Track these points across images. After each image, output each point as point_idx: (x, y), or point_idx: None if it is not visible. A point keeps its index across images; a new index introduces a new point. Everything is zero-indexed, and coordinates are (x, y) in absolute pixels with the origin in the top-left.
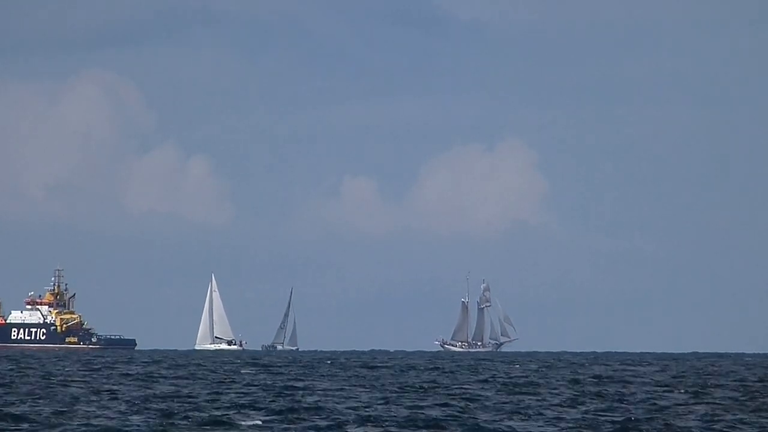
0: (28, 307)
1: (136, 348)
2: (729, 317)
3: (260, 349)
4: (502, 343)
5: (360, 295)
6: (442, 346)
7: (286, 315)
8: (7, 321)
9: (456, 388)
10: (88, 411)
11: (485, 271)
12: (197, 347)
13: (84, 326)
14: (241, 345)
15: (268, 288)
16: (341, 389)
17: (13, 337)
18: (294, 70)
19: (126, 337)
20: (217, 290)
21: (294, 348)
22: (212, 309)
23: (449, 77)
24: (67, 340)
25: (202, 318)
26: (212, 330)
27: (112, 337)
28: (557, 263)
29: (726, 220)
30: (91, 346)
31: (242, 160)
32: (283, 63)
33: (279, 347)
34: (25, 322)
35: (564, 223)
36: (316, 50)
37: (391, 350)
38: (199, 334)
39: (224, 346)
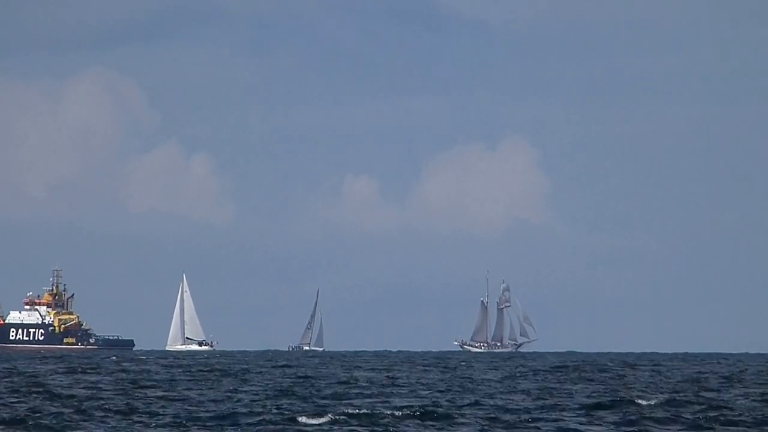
0: (27, 307)
1: (135, 348)
2: (735, 316)
3: (287, 349)
4: (521, 344)
5: (365, 295)
6: (462, 347)
7: (313, 315)
8: (6, 321)
9: None
10: None
11: (487, 270)
12: (168, 348)
13: (82, 327)
14: (211, 345)
15: (270, 287)
16: None
17: (11, 338)
18: (296, 68)
19: (124, 338)
20: (188, 290)
21: (320, 349)
22: (183, 309)
23: (451, 76)
24: (65, 340)
25: (173, 319)
26: (183, 330)
27: (110, 337)
28: (560, 262)
29: (731, 219)
30: (89, 346)
31: (244, 159)
32: (285, 61)
33: (305, 347)
34: (24, 322)
35: (567, 221)
36: (319, 49)
37: (418, 351)
38: (170, 335)
39: (195, 347)
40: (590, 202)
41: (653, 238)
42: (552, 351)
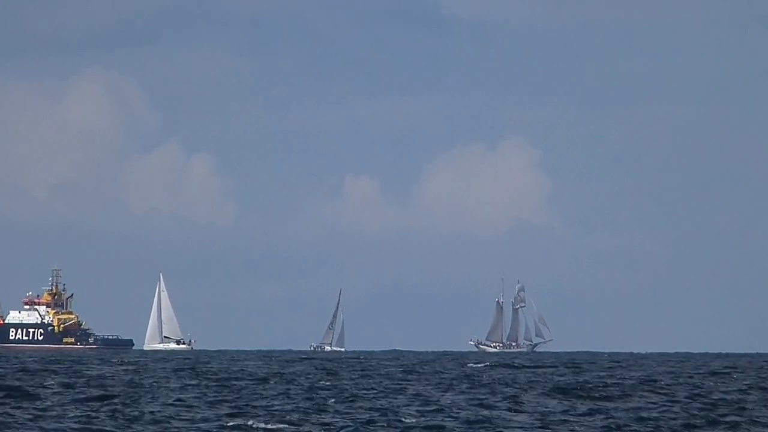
0: (26, 307)
1: (134, 348)
2: (735, 316)
3: (309, 348)
4: (536, 344)
5: (368, 295)
6: (477, 347)
7: (335, 315)
8: (6, 321)
9: None
10: None
11: (488, 270)
12: (146, 347)
13: (82, 326)
14: (190, 344)
15: (272, 287)
16: None
17: (11, 337)
18: (296, 68)
19: (123, 338)
20: (165, 290)
21: (341, 349)
22: (161, 309)
23: (452, 76)
24: (65, 340)
25: (150, 318)
26: (161, 330)
27: (109, 337)
28: (560, 262)
29: (730, 219)
30: (88, 346)
31: (245, 159)
32: (286, 62)
33: (327, 348)
34: (23, 322)
35: (567, 222)
36: (319, 49)
37: (428, 350)
38: (147, 334)
39: (173, 346)
40: (591, 202)
41: (654, 238)
42: (566, 351)
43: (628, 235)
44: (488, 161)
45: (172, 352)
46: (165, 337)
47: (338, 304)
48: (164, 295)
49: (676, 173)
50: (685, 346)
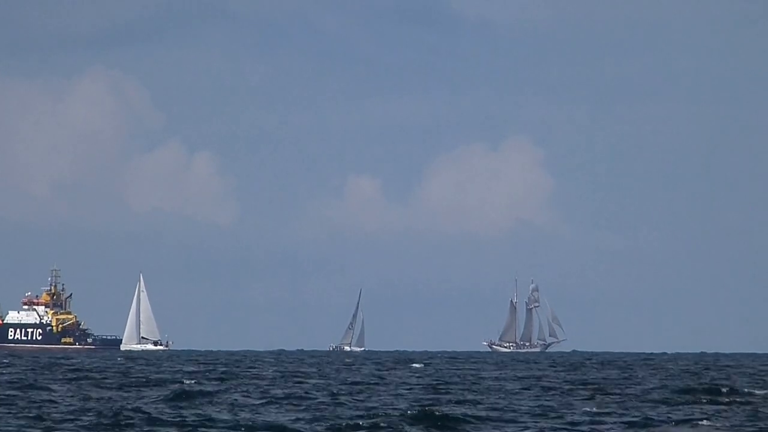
0: (25, 307)
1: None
2: (738, 316)
3: (328, 349)
4: (550, 344)
5: (371, 295)
6: (491, 347)
7: (354, 316)
8: (4, 321)
9: None
10: None
11: (489, 270)
12: (123, 347)
13: (81, 326)
14: (167, 345)
15: (273, 287)
16: None
17: (10, 337)
18: (299, 68)
19: (121, 338)
20: (144, 290)
21: (361, 349)
22: (140, 309)
23: (454, 75)
24: (63, 340)
25: (129, 318)
26: (138, 330)
27: (108, 337)
28: (563, 262)
29: (733, 218)
30: (86, 346)
31: (247, 158)
32: (288, 61)
33: (347, 348)
34: (22, 322)
35: (570, 221)
36: (323, 49)
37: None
38: (125, 334)
39: (150, 347)
40: (593, 201)
41: (656, 237)
42: (576, 351)
43: (632, 234)
44: (490, 160)
45: (144, 352)
46: (142, 337)
47: (358, 304)
48: (143, 295)
49: (680, 172)
50: (694, 346)
